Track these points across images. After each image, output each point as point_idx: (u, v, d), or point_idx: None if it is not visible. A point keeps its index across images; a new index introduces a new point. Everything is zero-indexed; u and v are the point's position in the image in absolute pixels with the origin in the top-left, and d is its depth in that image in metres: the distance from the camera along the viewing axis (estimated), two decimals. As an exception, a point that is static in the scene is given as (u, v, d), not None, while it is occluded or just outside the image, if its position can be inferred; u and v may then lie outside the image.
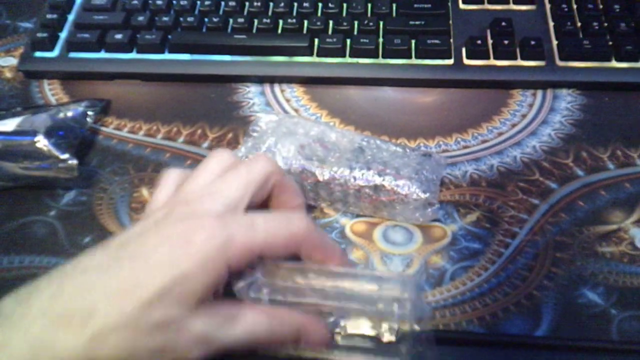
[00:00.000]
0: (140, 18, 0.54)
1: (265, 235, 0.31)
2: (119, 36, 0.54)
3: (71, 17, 0.57)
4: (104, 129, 0.51)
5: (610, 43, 0.51)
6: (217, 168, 0.35)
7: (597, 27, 0.51)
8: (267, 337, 0.32)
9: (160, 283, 0.28)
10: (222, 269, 0.30)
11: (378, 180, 0.41)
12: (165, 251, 0.30)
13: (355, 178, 0.42)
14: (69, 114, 0.49)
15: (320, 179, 0.42)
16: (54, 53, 0.55)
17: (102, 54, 0.54)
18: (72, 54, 0.54)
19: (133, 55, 0.54)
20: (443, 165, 0.44)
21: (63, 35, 0.56)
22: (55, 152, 0.44)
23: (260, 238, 0.31)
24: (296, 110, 0.51)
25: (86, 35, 0.54)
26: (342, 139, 0.44)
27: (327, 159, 0.43)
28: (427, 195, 0.41)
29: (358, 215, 0.43)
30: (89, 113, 0.50)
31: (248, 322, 0.31)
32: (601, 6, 0.53)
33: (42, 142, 0.45)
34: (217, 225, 0.30)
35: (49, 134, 0.46)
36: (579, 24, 0.52)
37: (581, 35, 0.51)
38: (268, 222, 0.32)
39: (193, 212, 0.31)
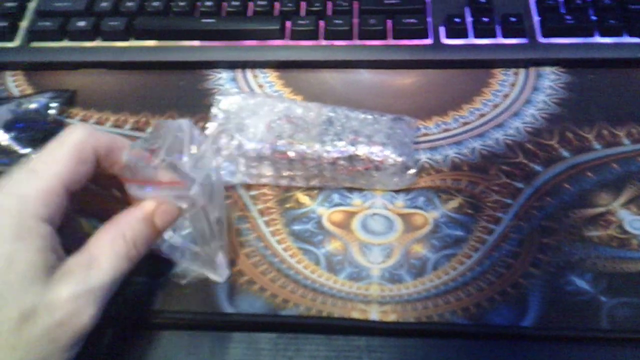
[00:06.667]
0: (104, 4, 0.52)
1: (52, 157, 0.30)
2: (81, 23, 0.51)
3: (32, 5, 0.54)
4: (69, 120, 0.48)
5: (594, 18, 0.49)
6: None
7: (579, 2, 0.49)
8: (136, 253, 0.31)
9: None
10: (41, 228, 0.28)
11: (351, 149, 0.40)
12: None
13: (328, 151, 0.40)
14: (31, 106, 0.47)
15: (292, 156, 0.40)
16: (15, 43, 0.52)
17: (65, 43, 0.52)
18: (34, 44, 0.52)
19: (97, 42, 0.51)
20: (415, 127, 0.43)
21: (24, 24, 0.53)
22: (15, 147, 0.42)
23: (54, 167, 0.30)
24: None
25: (48, 24, 0.51)
26: (308, 112, 0.42)
27: (296, 134, 0.41)
28: (403, 158, 0.40)
29: (335, 205, 0.41)
30: (52, 105, 0.47)
31: (104, 260, 0.29)
32: (584, -20, 0.51)
33: (0, 137, 0.42)
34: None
35: (8, 127, 0.44)
36: (561, -1, 0.50)
37: (563, 10, 0.50)
38: (45, 152, 0.31)
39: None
